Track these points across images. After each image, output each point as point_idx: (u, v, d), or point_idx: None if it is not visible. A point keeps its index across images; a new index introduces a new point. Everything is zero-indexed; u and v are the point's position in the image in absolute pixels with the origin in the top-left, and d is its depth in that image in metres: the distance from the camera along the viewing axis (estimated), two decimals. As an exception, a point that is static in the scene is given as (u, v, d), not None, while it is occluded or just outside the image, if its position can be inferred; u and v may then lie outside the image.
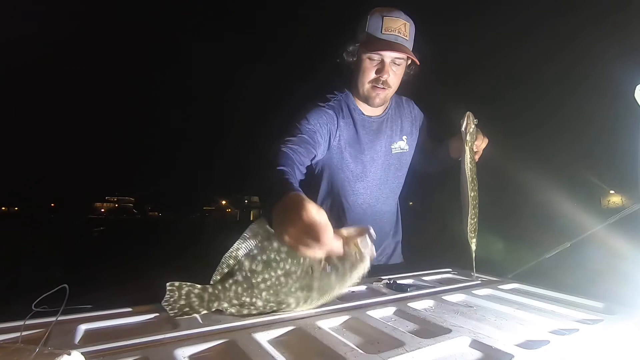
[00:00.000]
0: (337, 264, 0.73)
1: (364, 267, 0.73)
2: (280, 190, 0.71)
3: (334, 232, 0.62)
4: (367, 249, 0.70)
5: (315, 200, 1.36)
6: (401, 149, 1.34)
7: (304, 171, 1.05)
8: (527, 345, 0.62)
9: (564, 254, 1.17)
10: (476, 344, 0.63)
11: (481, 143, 1.18)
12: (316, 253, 0.63)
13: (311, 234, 0.60)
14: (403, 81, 1.24)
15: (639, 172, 1.04)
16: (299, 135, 1.07)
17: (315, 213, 0.60)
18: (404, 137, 1.35)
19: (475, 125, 1.15)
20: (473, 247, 1.15)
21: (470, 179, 1.13)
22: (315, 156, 1.14)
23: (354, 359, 0.56)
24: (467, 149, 1.13)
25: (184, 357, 0.58)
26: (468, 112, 1.13)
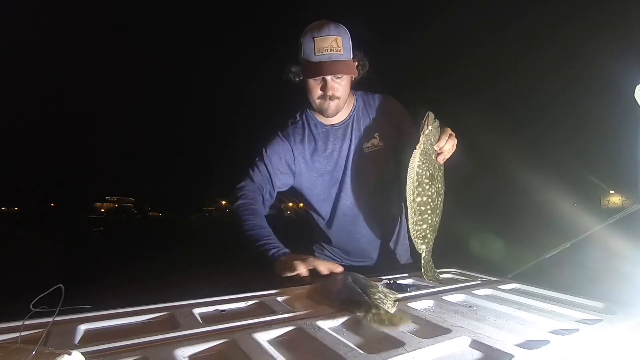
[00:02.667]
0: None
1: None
2: (266, 256, 1.16)
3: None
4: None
5: (307, 213, 1.48)
6: (375, 146, 1.34)
7: (273, 197, 1.36)
8: (527, 345, 0.62)
9: (564, 254, 1.17)
10: (476, 344, 0.62)
11: (444, 144, 1.09)
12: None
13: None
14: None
15: (639, 172, 1.04)
16: (255, 178, 1.33)
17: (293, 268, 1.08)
18: (376, 135, 1.35)
19: (435, 126, 1.08)
20: (422, 253, 1.10)
21: (417, 182, 1.06)
22: (280, 183, 1.36)
23: (354, 359, 0.56)
24: (416, 151, 1.06)
25: (184, 357, 0.58)
26: (428, 112, 1.08)
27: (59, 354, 0.45)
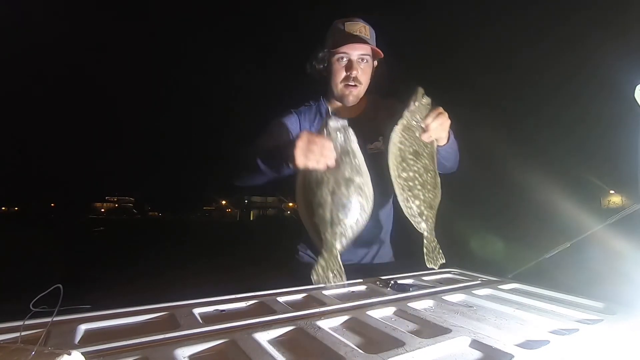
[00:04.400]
0: None
1: None
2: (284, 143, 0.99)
3: None
4: None
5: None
6: (377, 149, 1.34)
7: None
8: (527, 345, 0.62)
9: (564, 254, 1.17)
10: (476, 344, 0.63)
11: (431, 121, 1.03)
12: (321, 164, 0.89)
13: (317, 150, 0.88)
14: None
15: (639, 172, 1.04)
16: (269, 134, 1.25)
17: (317, 137, 0.90)
18: (380, 138, 1.34)
19: (424, 103, 1.03)
20: (424, 233, 1.01)
21: (400, 158, 1.00)
22: None
23: (354, 359, 0.56)
24: (397, 127, 1.02)
25: (184, 357, 0.58)
26: (417, 88, 1.04)
27: (59, 354, 0.45)
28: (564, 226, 1.33)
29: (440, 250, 1.02)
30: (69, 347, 0.51)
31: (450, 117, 1.07)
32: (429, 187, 1.02)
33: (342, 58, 1.23)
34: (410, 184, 1.00)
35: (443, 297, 0.91)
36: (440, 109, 1.05)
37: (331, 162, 0.90)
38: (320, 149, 0.88)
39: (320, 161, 0.89)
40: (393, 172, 1.00)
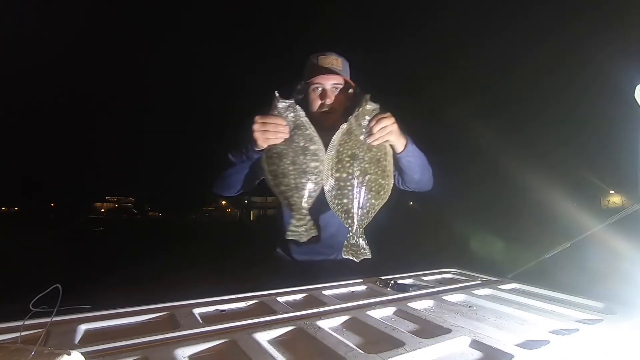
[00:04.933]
0: None
1: None
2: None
3: None
4: None
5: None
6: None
7: None
8: (527, 345, 0.62)
9: (564, 254, 1.17)
10: (476, 344, 0.63)
11: (374, 124, 1.07)
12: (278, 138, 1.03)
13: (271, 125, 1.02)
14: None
15: (639, 172, 1.04)
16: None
17: (269, 117, 1.04)
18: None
19: (369, 109, 1.08)
20: (350, 228, 1.06)
21: (337, 159, 1.06)
22: None
23: (354, 359, 0.56)
24: (339, 131, 1.08)
25: (184, 357, 0.58)
26: (365, 95, 1.10)
27: (59, 354, 0.45)
28: (564, 226, 1.33)
29: (365, 249, 1.06)
30: (69, 347, 0.51)
31: (398, 122, 1.10)
32: (363, 188, 1.07)
33: (317, 88, 1.32)
34: (341, 184, 1.06)
35: (443, 297, 0.91)
36: (386, 114, 1.09)
37: (286, 135, 1.04)
38: (274, 126, 1.03)
39: (277, 136, 1.03)
40: (329, 171, 1.07)
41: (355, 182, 1.06)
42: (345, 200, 1.07)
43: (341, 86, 1.33)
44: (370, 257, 1.06)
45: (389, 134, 1.08)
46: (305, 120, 1.08)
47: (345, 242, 1.07)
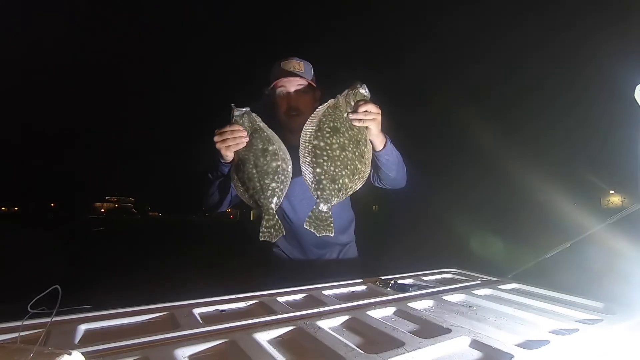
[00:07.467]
0: None
1: None
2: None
3: None
4: None
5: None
6: None
7: None
8: (527, 345, 0.62)
9: (564, 254, 1.17)
10: (476, 344, 0.63)
11: (360, 106, 1.07)
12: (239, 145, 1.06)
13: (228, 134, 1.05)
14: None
15: (639, 172, 1.04)
16: None
17: (226, 127, 1.07)
18: None
19: (361, 93, 1.09)
20: (319, 200, 1.03)
21: (317, 127, 1.05)
22: None
23: (354, 359, 0.56)
24: (326, 104, 1.08)
25: (184, 357, 0.58)
26: (361, 82, 1.11)
27: (59, 354, 0.45)
28: (564, 226, 1.33)
29: (330, 226, 1.03)
30: (69, 347, 0.51)
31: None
32: (338, 164, 1.04)
33: (282, 92, 1.35)
34: (318, 152, 1.03)
35: (443, 297, 0.91)
36: (374, 104, 1.09)
37: (246, 139, 1.07)
38: (231, 133, 1.06)
39: (237, 142, 1.06)
40: (305, 137, 1.04)
41: (331, 154, 1.04)
42: (318, 170, 1.03)
43: (305, 88, 1.36)
44: (332, 235, 1.03)
45: (371, 120, 1.08)
46: (262, 124, 1.10)
47: (310, 214, 1.03)
